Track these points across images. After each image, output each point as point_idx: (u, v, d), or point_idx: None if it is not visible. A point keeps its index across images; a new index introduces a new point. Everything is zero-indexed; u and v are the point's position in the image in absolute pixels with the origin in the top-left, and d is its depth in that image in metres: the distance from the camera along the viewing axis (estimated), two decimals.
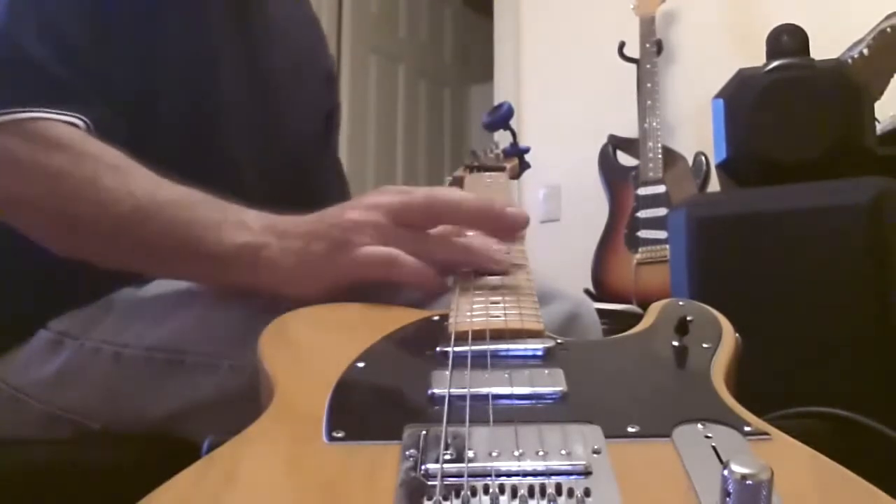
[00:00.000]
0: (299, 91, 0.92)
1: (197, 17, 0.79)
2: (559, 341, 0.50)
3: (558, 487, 0.33)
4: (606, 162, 2.31)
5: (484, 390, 0.42)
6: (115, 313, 0.71)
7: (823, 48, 1.38)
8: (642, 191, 2.13)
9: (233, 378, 0.64)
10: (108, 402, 0.70)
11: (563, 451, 0.36)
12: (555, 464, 0.35)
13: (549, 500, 0.33)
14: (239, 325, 0.64)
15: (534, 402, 0.42)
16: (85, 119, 0.66)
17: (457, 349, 0.48)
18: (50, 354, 0.71)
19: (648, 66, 2.22)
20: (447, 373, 0.45)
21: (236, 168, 0.81)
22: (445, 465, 0.35)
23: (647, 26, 2.26)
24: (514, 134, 1.22)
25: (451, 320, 0.53)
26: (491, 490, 0.33)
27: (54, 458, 0.69)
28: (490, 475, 0.34)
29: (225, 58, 0.81)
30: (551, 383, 0.43)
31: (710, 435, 0.38)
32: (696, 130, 2.26)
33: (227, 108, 0.81)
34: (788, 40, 1.33)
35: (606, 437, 0.38)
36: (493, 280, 0.60)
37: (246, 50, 0.84)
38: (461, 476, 0.34)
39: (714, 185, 2.00)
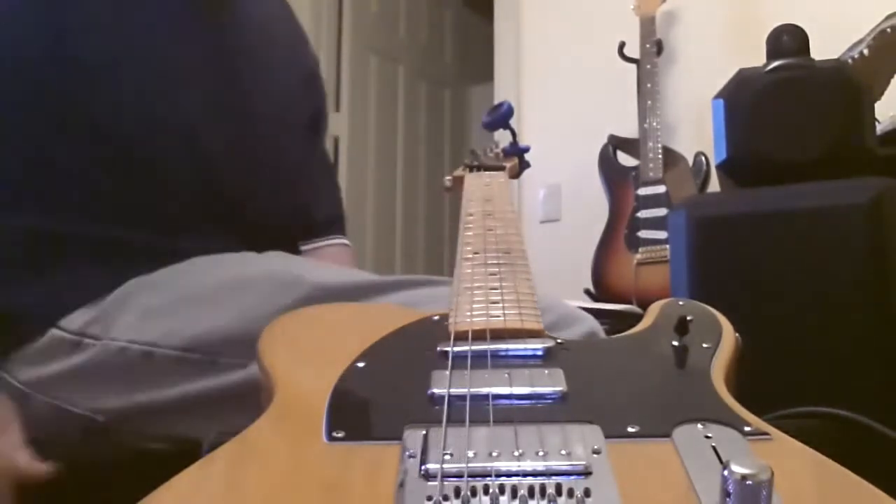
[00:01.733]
0: (272, 84, 0.93)
1: (161, 20, 0.81)
2: (559, 341, 0.50)
3: (558, 487, 0.33)
4: (606, 162, 2.30)
5: (484, 390, 0.42)
6: (132, 310, 0.73)
7: (823, 48, 1.38)
8: (642, 191, 2.13)
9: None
10: (126, 398, 0.71)
11: (563, 452, 0.36)
12: (555, 464, 0.35)
13: (549, 500, 0.33)
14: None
15: (534, 402, 0.42)
16: None
17: (457, 349, 0.48)
18: (66, 354, 0.72)
19: (648, 66, 2.22)
20: (447, 373, 0.45)
21: (202, 156, 0.82)
22: (445, 466, 0.35)
23: (647, 26, 2.26)
24: (513, 133, 1.22)
25: (451, 320, 0.53)
26: (491, 490, 0.33)
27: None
28: (490, 475, 0.34)
29: (189, 53, 0.83)
30: (551, 383, 0.43)
31: (710, 435, 0.38)
32: (696, 130, 2.26)
33: (190, 91, 0.82)
34: (788, 40, 1.32)
35: (606, 437, 0.38)
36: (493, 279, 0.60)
37: (213, 45, 0.85)
38: (461, 476, 0.34)
39: (714, 185, 2.00)
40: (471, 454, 0.36)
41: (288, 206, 0.93)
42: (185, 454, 0.39)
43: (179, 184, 0.80)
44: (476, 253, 0.66)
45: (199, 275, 0.75)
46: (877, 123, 1.35)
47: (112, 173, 0.77)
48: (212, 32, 0.86)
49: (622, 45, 2.31)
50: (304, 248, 1.04)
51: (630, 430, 0.38)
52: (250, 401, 0.57)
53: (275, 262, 0.78)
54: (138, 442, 0.71)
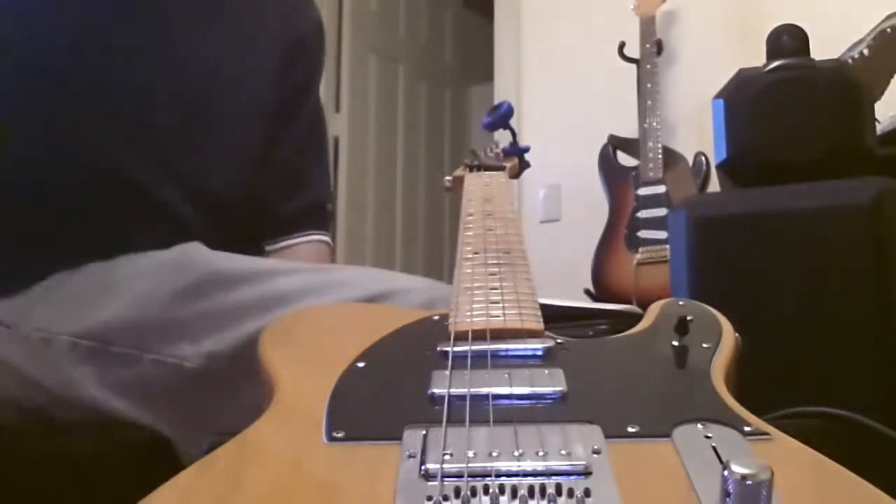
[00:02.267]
0: (241, 58, 0.92)
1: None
2: (559, 341, 0.50)
3: (558, 487, 0.33)
4: (606, 162, 2.30)
5: (484, 390, 0.42)
6: (49, 301, 0.75)
7: (823, 48, 1.38)
8: (642, 191, 2.13)
9: (154, 369, 0.68)
10: (36, 384, 0.73)
11: (563, 452, 0.36)
12: (555, 464, 0.35)
13: (549, 501, 0.33)
14: (168, 320, 0.69)
15: (534, 402, 0.42)
16: None
17: (456, 349, 0.48)
18: None
19: (648, 66, 2.22)
20: (447, 373, 0.45)
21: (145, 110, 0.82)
22: (445, 466, 0.35)
23: (647, 26, 2.26)
24: (513, 133, 1.22)
25: (451, 320, 0.53)
26: (491, 490, 0.33)
27: (46, 454, 0.71)
28: (490, 475, 0.34)
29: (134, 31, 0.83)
30: (551, 383, 0.43)
31: (709, 435, 0.38)
32: (696, 130, 2.26)
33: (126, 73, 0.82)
34: (788, 40, 1.32)
35: (606, 437, 0.38)
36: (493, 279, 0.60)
37: (166, 22, 0.85)
38: (461, 476, 0.34)
39: (714, 185, 2.00)
40: (471, 454, 0.36)
41: (241, 199, 0.91)
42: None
43: (112, 178, 0.80)
44: (476, 253, 0.66)
45: (115, 269, 0.76)
46: (877, 123, 1.35)
47: (43, 166, 0.78)
48: (161, 9, 0.85)
49: (622, 45, 2.31)
50: (269, 248, 0.99)
51: (630, 430, 0.38)
52: (159, 394, 0.63)
53: (179, 250, 0.77)
54: (76, 426, 0.73)
